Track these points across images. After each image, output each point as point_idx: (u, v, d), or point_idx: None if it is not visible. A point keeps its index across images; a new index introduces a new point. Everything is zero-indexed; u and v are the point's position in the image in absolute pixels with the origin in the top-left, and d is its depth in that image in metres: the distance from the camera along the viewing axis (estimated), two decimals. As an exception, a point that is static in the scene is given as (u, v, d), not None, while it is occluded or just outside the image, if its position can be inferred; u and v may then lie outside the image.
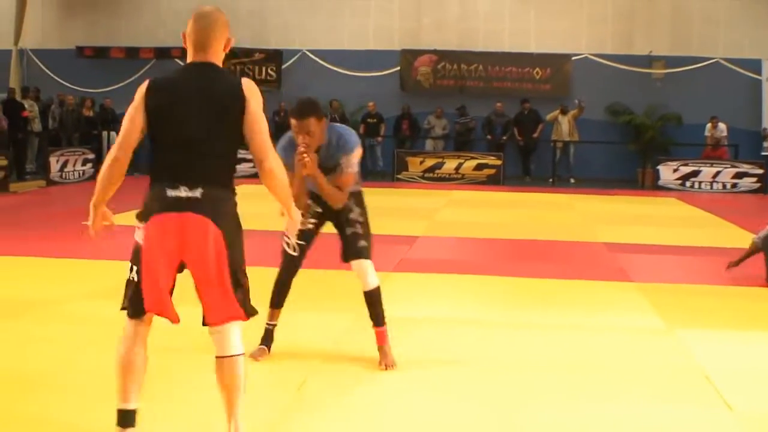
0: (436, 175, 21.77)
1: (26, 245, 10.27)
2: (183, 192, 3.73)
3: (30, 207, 14.80)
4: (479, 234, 12.24)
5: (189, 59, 3.92)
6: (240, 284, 3.84)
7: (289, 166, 4.75)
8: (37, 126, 21.32)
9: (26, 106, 20.70)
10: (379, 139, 22.82)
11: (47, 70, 24.70)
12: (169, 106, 3.81)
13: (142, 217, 3.82)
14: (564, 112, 22.40)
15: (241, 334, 3.91)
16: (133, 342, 3.85)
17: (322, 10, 24.01)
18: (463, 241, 11.70)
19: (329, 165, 5.34)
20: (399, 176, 21.73)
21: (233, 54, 23.69)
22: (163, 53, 23.80)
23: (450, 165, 21.86)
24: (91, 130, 22.10)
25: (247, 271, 3.92)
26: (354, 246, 5.53)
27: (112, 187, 3.91)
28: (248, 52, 23.94)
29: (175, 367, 5.42)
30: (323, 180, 5.32)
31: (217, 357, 3.88)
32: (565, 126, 22.47)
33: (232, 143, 3.85)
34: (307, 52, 23.96)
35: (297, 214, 4.19)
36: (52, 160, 19.12)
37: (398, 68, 23.69)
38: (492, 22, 23.63)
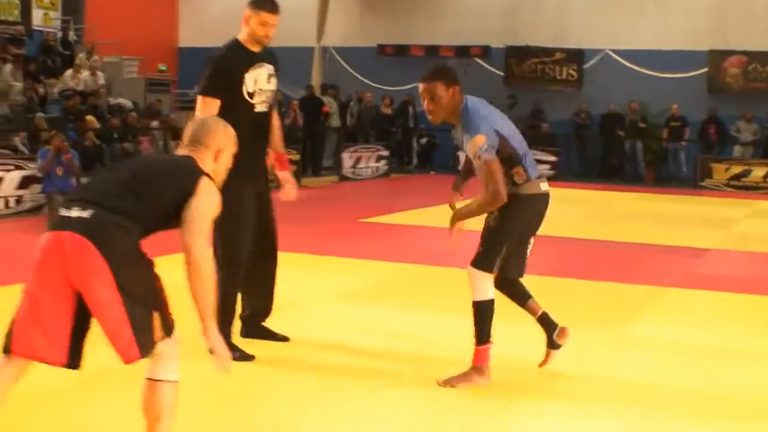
0: (742, 184, 20.40)
1: (301, 241, 9.54)
2: None
3: (318, 202, 14.57)
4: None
5: None
6: (140, 319, 3.31)
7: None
8: (335, 122, 21.54)
9: (325, 102, 21.03)
10: (683, 143, 21.68)
11: (348, 68, 25.19)
12: None
13: None
14: None
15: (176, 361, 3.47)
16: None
17: (624, 9, 23.00)
18: (763, 257, 10.54)
19: (467, 148, 4.84)
20: (702, 183, 20.50)
21: (533, 53, 23.31)
22: (462, 51, 23.57)
23: (758, 173, 20.45)
24: (388, 128, 22.29)
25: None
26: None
27: None
28: (549, 52, 23.37)
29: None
30: (466, 213, 4.93)
31: (146, 378, 3.48)
32: None
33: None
34: (610, 52, 22.96)
35: (217, 341, 3.41)
36: (345, 156, 19.40)
37: (705, 69, 22.54)
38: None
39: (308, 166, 19.40)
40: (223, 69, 5.24)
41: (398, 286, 7.88)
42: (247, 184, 5.19)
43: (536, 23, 23.62)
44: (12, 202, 12.08)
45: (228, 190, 3.89)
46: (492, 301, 4.84)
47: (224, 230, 4.83)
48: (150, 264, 3.39)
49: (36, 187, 12.22)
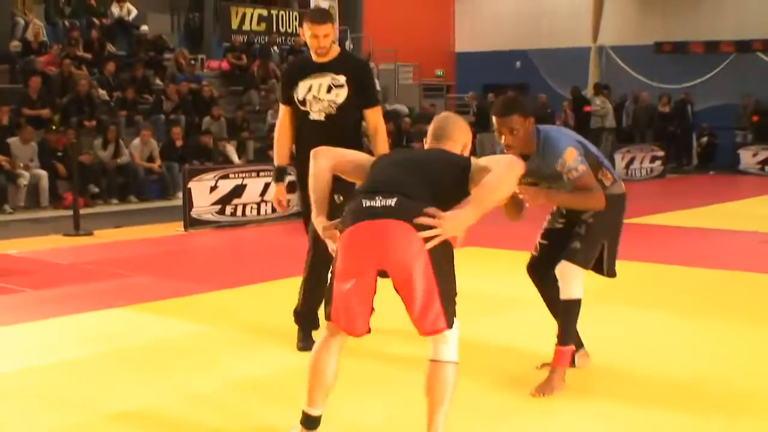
0: None
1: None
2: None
3: None
4: None
5: None
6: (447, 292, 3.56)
7: None
8: (609, 122, 21.78)
9: (597, 102, 21.77)
10: None
11: (624, 66, 23.33)
12: None
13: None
14: None
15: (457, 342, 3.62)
16: (324, 348, 3.71)
17: None
18: None
19: (544, 174, 4.64)
20: None
21: None
22: (744, 47, 23.35)
23: None
24: (665, 127, 22.07)
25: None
26: (567, 245, 4.71)
27: None
28: None
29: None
30: (556, 198, 4.69)
31: (429, 360, 3.62)
32: None
33: None
34: None
35: None
36: (617, 157, 18.86)
37: None
38: None
39: None
40: (284, 78, 5.69)
41: (631, 285, 7.11)
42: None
43: None
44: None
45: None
46: (580, 301, 4.71)
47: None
48: (449, 243, 3.57)
49: None
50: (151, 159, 15.16)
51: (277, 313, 6.13)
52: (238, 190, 11.96)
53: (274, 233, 11.36)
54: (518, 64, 26.75)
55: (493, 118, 4.64)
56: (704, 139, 22.57)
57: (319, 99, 5.38)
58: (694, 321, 6.28)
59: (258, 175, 12.33)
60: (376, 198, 3.56)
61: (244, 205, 12.04)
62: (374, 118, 5.51)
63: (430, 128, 4.04)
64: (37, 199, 13.60)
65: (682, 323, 6.21)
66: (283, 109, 5.57)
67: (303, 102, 5.42)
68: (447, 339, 3.57)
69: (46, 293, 7.41)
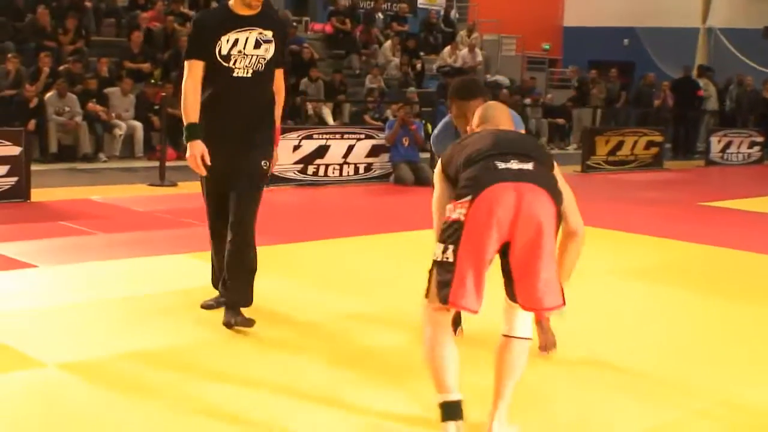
0: None
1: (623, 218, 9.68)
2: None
3: (668, 185, 14.37)
4: None
5: None
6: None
7: None
8: (712, 105, 21.36)
9: (701, 84, 21.13)
10: None
11: (733, 49, 22.86)
12: None
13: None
14: None
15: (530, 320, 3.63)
16: (442, 332, 3.53)
17: None
18: None
19: None
20: None
21: None
22: None
23: None
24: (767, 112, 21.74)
25: None
26: None
27: None
28: None
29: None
30: None
31: (504, 335, 3.61)
32: None
33: None
34: None
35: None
36: (713, 140, 18.73)
37: None
38: None
39: (679, 149, 20.07)
40: (200, 31, 4.98)
41: (686, 266, 7.48)
42: (219, 155, 4.90)
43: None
44: (362, 168, 12.62)
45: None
46: None
47: (202, 191, 5.24)
48: None
49: (384, 156, 12.77)
50: (245, 118, 15.35)
51: (338, 267, 6.52)
52: (321, 151, 12.18)
53: (354, 194, 11.63)
54: (626, 41, 26.31)
55: (456, 101, 4.57)
56: (809, 129, 21.82)
57: (246, 55, 4.94)
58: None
59: (342, 137, 12.54)
60: (511, 161, 3.41)
61: (327, 166, 12.26)
62: (282, 79, 5.19)
63: (477, 114, 3.95)
64: (132, 149, 14.07)
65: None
66: (194, 65, 4.94)
67: (227, 58, 4.91)
68: (529, 317, 3.60)
69: (115, 237, 7.71)
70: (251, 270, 5.09)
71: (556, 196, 3.43)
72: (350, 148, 12.44)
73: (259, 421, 3.77)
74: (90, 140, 13.51)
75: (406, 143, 12.80)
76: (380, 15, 22.39)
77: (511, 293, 3.52)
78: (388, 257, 7.44)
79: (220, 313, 5.11)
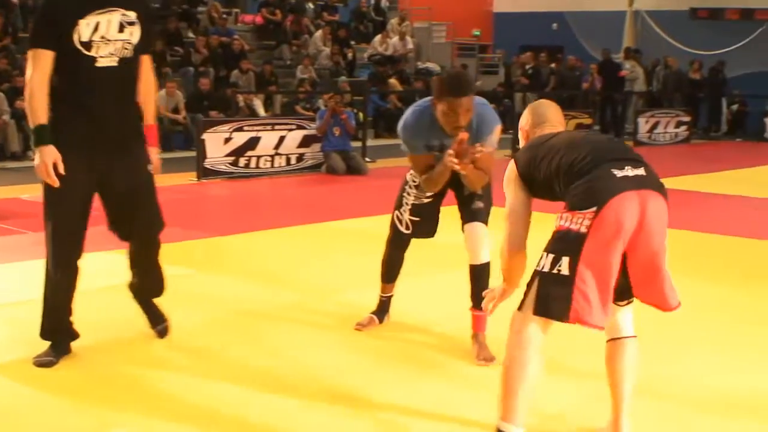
0: None
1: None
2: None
3: None
4: None
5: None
6: None
7: (420, 150, 4.50)
8: (640, 87, 21.79)
9: (627, 66, 21.78)
10: None
11: (659, 31, 23.18)
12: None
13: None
14: None
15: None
16: (535, 347, 3.25)
17: None
18: None
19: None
20: None
21: None
22: None
23: None
24: (695, 93, 22.30)
25: None
26: (469, 207, 4.60)
27: None
28: None
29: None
30: (471, 170, 4.38)
31: (612, 339, 3.49)
32: None
33: None
34: None
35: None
36: (641, 121, 19.18)
37: None
38: None
39: (608, 130, 20.04)
40: (51, 17, 4.16)
41: None
42: (83, 158, 4.21)
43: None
44: (293, 159, 12.62)
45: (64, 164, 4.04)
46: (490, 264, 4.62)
47: (45, 208, 4.31)
48: None
49: (316, 146, 12.76)
50: (176, 110, 15.46)
51: (270, 259, 6.61)
52: (253, 143, 12.25)
53: (286, 185, 11.73)
54: (555, 25, 26.64)
55: (447, 99, 4.31)
56: (734, 107, 22.49)
57: (109, 40, 4.22)
58: (706, 285, 6.35)
59: (273, 129, 12.62)
60: (626, 167, 3.26)
61: (258, 157, 12.33)
62: (150, 67, 4.51)
63: (542, 117, 3.77)
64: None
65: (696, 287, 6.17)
66: (42, 56, 4.14)
67: (88, 45, 4.17)
68: (631, 315, 3.52)
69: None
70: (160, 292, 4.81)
71: (667, 196, 3.33)
72: (282, 139, 12.53)
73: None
74: (18, 138, 13.42)
75: (338, 133, 12.87)
76: (311, 5, 22.48)
77: (628, 293, 3.42)
78: (320, 247, 7.54)
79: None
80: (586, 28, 25.79)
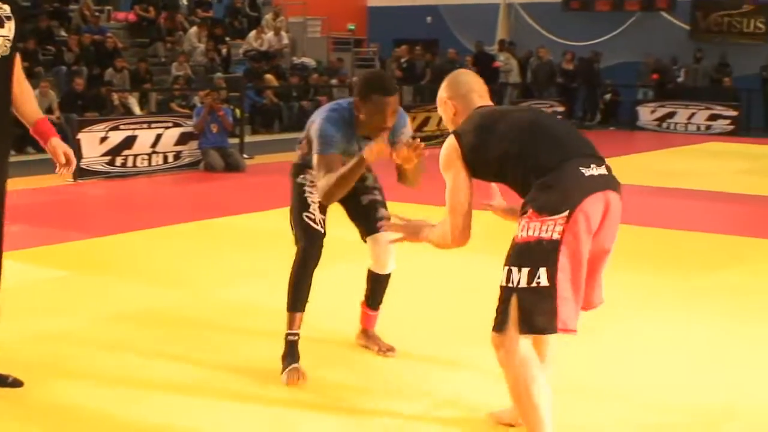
0: None
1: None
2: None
3: None
4: None
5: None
6: None
7: (338, 148, 4.19)
8: (514, 78, 22.10)
9: (501, 58, 22.07)
10: None
11: (533, 23, 23.64)
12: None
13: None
14: None
15: None
16: (536, 361, 3.19)
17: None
18: None
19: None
20: None
21: (720, 6, 23.25)
22: (648, 5, 23.68)
23: None
24: (569, 83, 22.42)
25: None
26: (373, 216, 4.44)
27: None
28: (736, 4, 22.80)
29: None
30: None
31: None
32: None
33: None
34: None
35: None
36: None
37: None
38: None
39: None
40: None
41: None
42: None
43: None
44: (171, 157, 12.51)
45: None
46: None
47: None
48: None
49: (193, 144, 12.66)
50: (50, 111, 15.11)
51: (149, 259, 6.56)
52: (129, 142, 12.12)
53: (164, 183, 11.67)
54: (429, 19, 26.94)
55: (384, 98, 4.15)
56: (607, 96, 23.08)
57: None
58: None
59: (149, 127, 12.51)
60: (591, 165, 3.22)
61: (135, 156, 12.20)
62: (20, 65, 4.19)
63: (466, 86, 3.60)
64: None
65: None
66: None
67: None
68: None
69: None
70: None
71: (621, 194, 3.31)
72: (158, 137, 12.41)
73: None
74: None
75: (215, 130, 12.81)
76: (184, 1, 22.32)
77: None
78: (200, 245, 7.56)
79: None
80: (460, 20, 26.17)
